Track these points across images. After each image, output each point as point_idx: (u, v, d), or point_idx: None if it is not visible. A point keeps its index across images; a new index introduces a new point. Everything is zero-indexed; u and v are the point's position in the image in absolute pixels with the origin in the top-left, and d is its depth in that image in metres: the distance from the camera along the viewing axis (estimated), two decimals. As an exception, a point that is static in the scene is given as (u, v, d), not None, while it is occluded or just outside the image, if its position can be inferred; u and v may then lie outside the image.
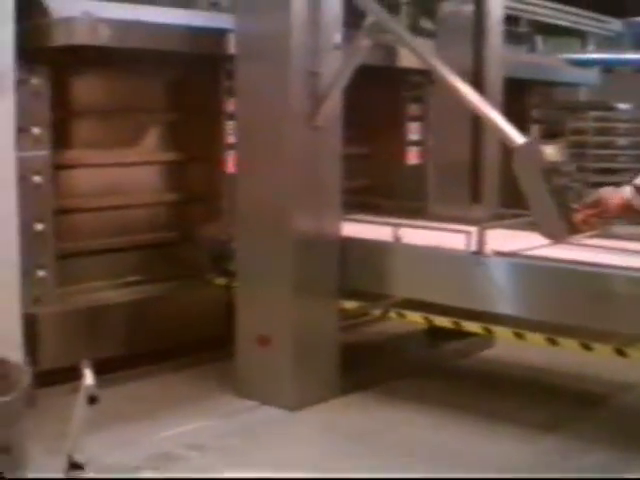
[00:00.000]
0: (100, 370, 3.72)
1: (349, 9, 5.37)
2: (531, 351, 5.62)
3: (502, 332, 5.19)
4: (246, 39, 5.40)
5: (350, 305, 5.67)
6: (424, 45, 5.00)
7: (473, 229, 5.14)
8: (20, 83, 5.06)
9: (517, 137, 4.61)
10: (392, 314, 5.57)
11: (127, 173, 6.41)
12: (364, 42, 5.18)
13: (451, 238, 5.24)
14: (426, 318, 5.43)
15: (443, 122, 6.62)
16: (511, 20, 11.37)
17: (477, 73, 6.29)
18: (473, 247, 5.11)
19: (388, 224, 5.60)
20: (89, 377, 3.54)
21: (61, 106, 5.79)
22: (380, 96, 7.41)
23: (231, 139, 6.07)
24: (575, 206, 4.52)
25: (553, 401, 5.57)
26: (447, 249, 5.26)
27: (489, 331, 5.24)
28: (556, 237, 4.61)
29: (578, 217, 4.51)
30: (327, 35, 5.29)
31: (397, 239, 5.46)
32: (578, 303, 4.75)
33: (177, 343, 6.02)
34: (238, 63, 5.42)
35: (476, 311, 5.22)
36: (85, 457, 3.50)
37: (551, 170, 4.52)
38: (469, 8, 6.42)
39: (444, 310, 5.39)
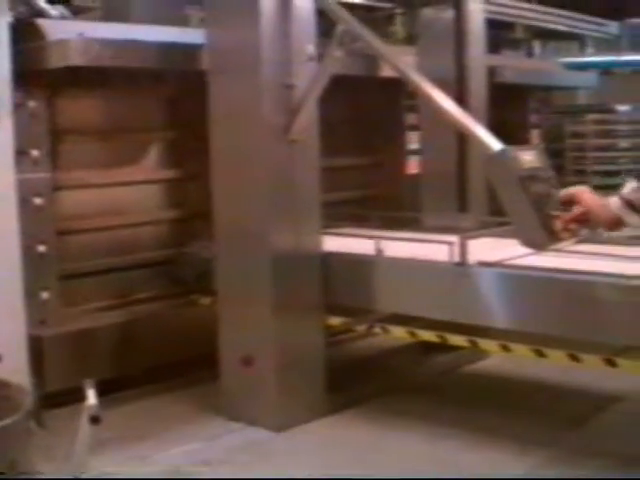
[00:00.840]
0: (105, 390, 3.80)
1: (326, 19, 5.24)
2: (527, 362, 5.47)
3: (488, 345, 5.04)
4: (217, 53, 5.29)
5: (335, 321, 5.53)
6: (396, 53, 4.85)
7: (456, 239, 4.99)
8: (17, 106, 5.12)
9: (492, 144, 4.45)
10: (377, 329, 5.42)
11: (128, 192, 6.36)
12: (336, 52, 5.04)
13: (436, 249, 5.10)
14: (411, 333, 5.28)
15: (431, 131, 6.49)
16: (507, 26, 11.32)
17: (460, 80, 6.15)
18: (456, 258, 4.96)
19: (370, 237, 5.46)
20: (92, 397, 3.57)
21: (59, 128, 5.78)
22: (381, 105, 7.35)
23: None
24: (555, 213, 4.35)
25: (547, 414, 5.41)
26: (429, 261, 5.13)
27: (475, 344, 5.09)
28: (537, 246, 4.43)
29: (558, 225, 4.34)
30: (299, 46, 5.17)
31: (379, 252, 5.32)
32: (564, 313, 4.61)
33: (176, 361, 5.97)
34: (210, 78, 5.31)
35: (464, 324, 5.07)
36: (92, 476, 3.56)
37: (528, 177, 4.36)
38: (450, 14, 6.29)
39: (431, 323, 5.25)
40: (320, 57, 5.19)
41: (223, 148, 5.33)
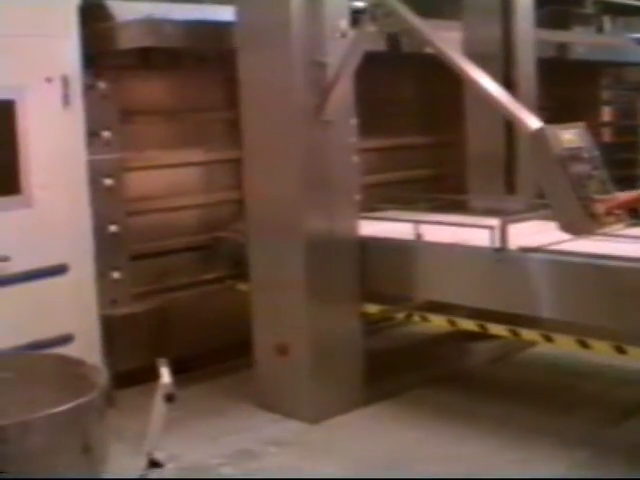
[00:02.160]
0: (174, 370, 3.69)
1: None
2: (577, 353, 5.10)
3: (529, 335, 4.77)
4: (246, 29, 5.09)
5: (372, 309, 5.31)
6: (434, 28, 4.59)
7: (496, 223, 4.73)
8: (88, 88, 5.18)
9: (531, 122, 4.18)
10: (415, 317, 5.20)
11: (194, 172, 6.25)
12: (369, 27, 4.80)
13: (479, 234, 4.84)
14: (451, 321, 5.04)
15: (478, 112, 6.20)
16: (576, 1, 10.97)
17: (507, 56, 5.85)
18: (497, 243, 4.70)
19: (410, 221, 5.22)
20: (166, 376, 3.58)
21: (129, 109, 5.71)
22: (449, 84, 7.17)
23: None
24: (597, 197, 4.07)
25: (591, 409, 5.13)
26: (468, 246, 4.88)
27: (516, 334, 4.82)
28: (576, 231, 4.16)
29: (601, 208, 4.05)
30: (332, 22, 4.95)
31: (417, 237, 5.09)
32: (610, 302, 4.32)
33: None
34: (240, 55, 5.12)
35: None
36: (165, 455, 3.56)
37: (569, 157, 4.08)
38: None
39: (474, 311, 5.01)
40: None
41: (254, 130, 5.15)
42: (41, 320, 4.81)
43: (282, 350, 5.16)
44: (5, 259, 4.73)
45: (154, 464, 3.58)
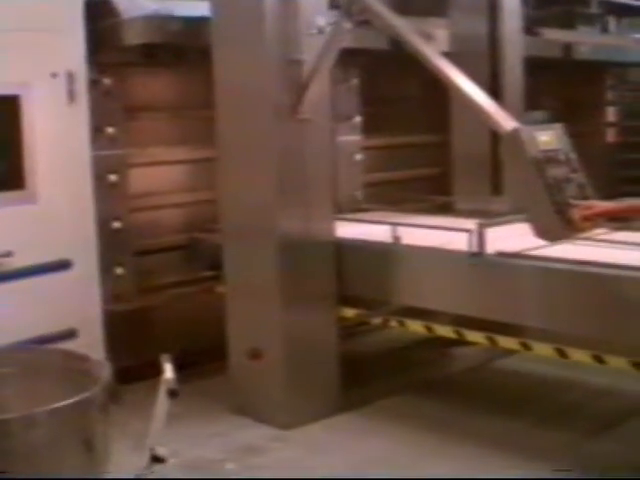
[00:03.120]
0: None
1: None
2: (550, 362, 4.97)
3: (507, 342, 4.62)
4: (221, 25, 4.97)
5: (349, 313, 5.17)
6: (406, 24, 4.44)
7: (474, 226, 4.58)
8: (92, 83, 5.18)
9: (506, 122, 4.03)
10: (393, 322, 5.05)
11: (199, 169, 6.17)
12: (345, 24, 4.66)
13: (461, 237, 4.68)
14: (428, 327, 4.90)
15: (462, 111, 6.04)
16: (581, 1, 10.86)
17: (494, 53, 5.71)
18: (474, 247, 4.55)
19: (389, 223, 5.08)
20: (169, 371, 3.55)
21: (133, 105, 5.69)
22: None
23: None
24: (574, 202, 3.91)
25: (567, 419, 4.95)
26: (445, 250, 4.73)
27: (494, 341, 4.67)
28: (551, 237, 4.00)
29: (577, 214, 3.90)
30: (308, 18, 4.80)
31: (395, 240, 4.95)
32: (590, 310, 4.16)
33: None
34: (215, 52, 4.99)
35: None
36: (167, 450, 3.51)
37: (545, 160, 3.92)
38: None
39: (454, 317, 4.87)
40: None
41: (228, 129, 5.02)
42: (44, 315, 4.81)
43: (255, 354, 5.04)
44: (8, 254, 4.70)
45: (156, 459, 3.55)
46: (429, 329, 4.91)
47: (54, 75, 4.90)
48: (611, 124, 9.31)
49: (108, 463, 3.44)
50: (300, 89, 4.80)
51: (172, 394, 3.52)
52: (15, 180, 4.80)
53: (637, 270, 4.06)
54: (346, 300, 5.15)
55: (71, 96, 4.97)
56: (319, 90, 4.86)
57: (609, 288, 4.08)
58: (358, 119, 6.64)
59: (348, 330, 5.64)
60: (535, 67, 7.72)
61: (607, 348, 4.31)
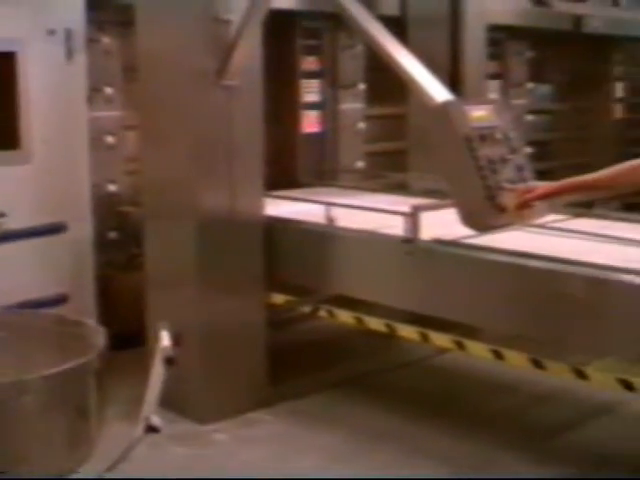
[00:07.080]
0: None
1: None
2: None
3: (440, 340, 4.18)
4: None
5: (278, 299, 4.73)
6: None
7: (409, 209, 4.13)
8: (91, 42, 5.07)
9: (437, 94, 3.56)
10: (322, 312, 4.62)
11: None
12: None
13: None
14: (358, 319, 4.45)
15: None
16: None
17: (454, 20, 5.24)
18: (408, 233, 4.10)
19: (321, 203, 4.63)
20: (165, 339, 3.48)
21: (133, 65, 5.25)
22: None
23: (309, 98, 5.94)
24: (509, 186, 3.45)
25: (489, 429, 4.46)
26: (378, 234, 4.29)
27: (426, 338, 4.23)
28: (477, 225, 3.54)
29: (512, 200, 3.44)
30: (237, -27, 4.34)
31: (330, 221, 4.50)
32: (529, 307, 3.72)
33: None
34: (137, 13, 4.54)
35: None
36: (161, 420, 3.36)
37: (478, 137, 3.46)
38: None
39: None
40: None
41: (148, 97, 4.61)
42: (36, 279, 4.77)
43: (176, 341, 4.60)
44: (1, 215, 4.64)
45: (151, 429, 3.36)
46: (359, 321, 4.46)
47: (51, 32, 4.79)
48: (620, 100, 9.01)
49: (101, 431, 3.34)
50: (226, 52, 4.34)
51: (169, 362, 3.43)
52: (10, 140, 4.70)
53: (581, 265, 3.61)
54: (277, 286, 4.70)
55: (69, 54, 4.86)
56: (248, 53, 4.41)
57: (547, 284, 3.63)
58: (362, 86, 6.21)
59: (285, 317, 5.19)
60: (543, 39, 7.37)
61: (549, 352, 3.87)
